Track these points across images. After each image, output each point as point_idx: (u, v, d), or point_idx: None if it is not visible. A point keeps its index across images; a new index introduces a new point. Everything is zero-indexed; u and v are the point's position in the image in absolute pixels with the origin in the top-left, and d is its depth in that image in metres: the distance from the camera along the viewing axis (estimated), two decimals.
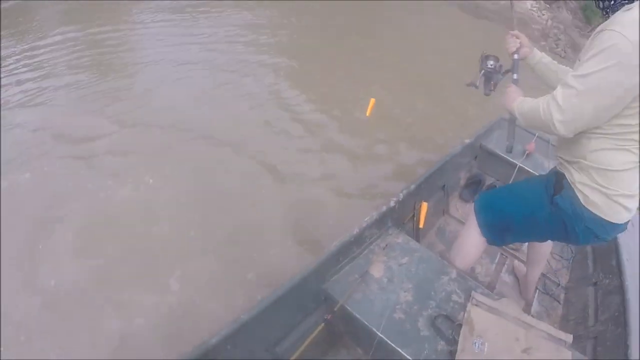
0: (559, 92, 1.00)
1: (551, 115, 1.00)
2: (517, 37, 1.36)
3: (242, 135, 3.09)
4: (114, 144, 2.83)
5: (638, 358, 1.30)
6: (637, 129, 0.96)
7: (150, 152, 2.78)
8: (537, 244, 1.66)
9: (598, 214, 1.07)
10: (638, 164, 1.02)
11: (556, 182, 1.18)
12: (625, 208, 1.06)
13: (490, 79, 1.37)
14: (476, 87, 1.43)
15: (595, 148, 1.04)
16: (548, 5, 8.29)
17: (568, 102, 0.97)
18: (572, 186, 1.12)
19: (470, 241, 1.49)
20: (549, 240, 1.63)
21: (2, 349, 1.65)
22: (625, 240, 2.06)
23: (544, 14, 8.11)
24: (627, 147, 1.00)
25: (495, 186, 2.46)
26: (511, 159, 2.36)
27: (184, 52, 4.30)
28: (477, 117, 3.67)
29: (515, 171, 2.19)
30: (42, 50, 4.14)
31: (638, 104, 0.93)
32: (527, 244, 2.16)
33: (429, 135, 3.49)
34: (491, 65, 1.37)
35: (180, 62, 4.05)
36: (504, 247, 2.11)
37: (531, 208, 1.26)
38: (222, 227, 2.24)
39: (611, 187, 1.04)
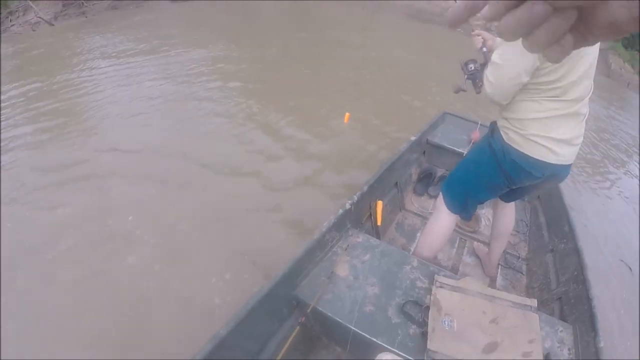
0: (488, 69, 1.21)
1: (486, 90, 1.23)
2: (479, 35, 1.54)
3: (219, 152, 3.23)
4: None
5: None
6: (546, 86, 1.16)
7: (133, 180, 2.83)
8: (500, 221, 1.77)
9: (517, 148, 1.27)
10: (548, 114, 1.20)
11: (492, 129, 1.40)
12: (547, 148, 1.22)
13: (475, 78, 1.55)
14: (465, 90, 1.62)
15: (513, 100, 1.26)
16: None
17: (493, 75, 1.19)
18: (499, 129, 1.33)
19: (438, 228, 1.62)
20: (512, 214, 1.75)
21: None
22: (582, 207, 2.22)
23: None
24: (536, 99, 1.20)
25: (447, 176, 2.59)
26: (457, 149, 2.50)
27: (147, 89, 4.41)
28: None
29: None
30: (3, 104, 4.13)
31: (545, 67, 1.12)
32: (485, 223, 2.30)
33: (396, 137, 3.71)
34: (472, 67, 1.56)
35: (147, 97, 4.17)
36: (462, 230, 2.23)
37: (477, 161, 1.46)
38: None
39: (524, 129, 1.24)
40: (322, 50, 6.54)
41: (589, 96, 1.23)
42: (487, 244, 2.08)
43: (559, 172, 1.32)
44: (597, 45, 1.12)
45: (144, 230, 2.34)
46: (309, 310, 1.30)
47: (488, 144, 1.41)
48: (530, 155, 1.26)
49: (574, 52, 0.82)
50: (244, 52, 6.04)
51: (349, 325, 1.27)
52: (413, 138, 2.45)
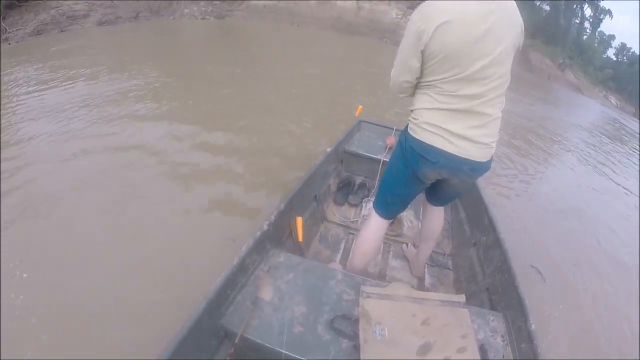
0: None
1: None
2: None
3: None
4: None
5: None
6: (434, 82, 1.26)
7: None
8: (428, 223, 1.81)
9: (414, 135, 1.36)
10: (439, 106, 1.28)
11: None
12: (440, 136, 1.29)
13: None
14: None
15: (413, 94, 1.40)
16: (411, 10, 9.36)
17: (392, 73, 1.36)
18: (408, 123, 1.42)
19: (368, 233, 1.64)
20: (440, 219, 1.79)
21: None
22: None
23: (409, 19, 9.14)
24: (428, 93, 1.31)
25: (366, 184, 2.65)
26: (375, 156, 2.56)
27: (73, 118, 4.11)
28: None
29: (380, 166, 2.38)
30: None
31: (429, 66, 1.24)
32: (408, 225, 2.37)
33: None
34: None
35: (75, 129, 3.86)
36: (386, 235, 2.22)
37: (393, 157, 1.55)
38: None
39: (418, 118, 1.34)
40: (252, 71, 6.60)
41: (494, 97, 1.25)
42: (415, 245, 2.12)
43: (460, 164, 1.33)
44: (497, 48, 1.17)
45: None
46: (237, 340, 1.24)
47: (399, 139, 1.51)
48: (423, 140, 1.32)
49: (463, 51, 0.99)
50: (169, 77, 5.91)
51: (279, 350, 1.23)
52: (329, 149, 2.47)
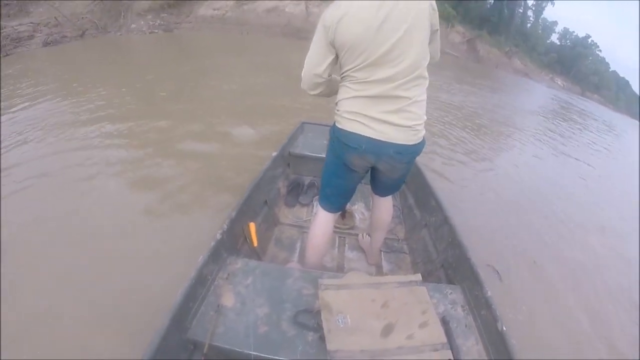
0: None
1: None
2: None
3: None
4: None
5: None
6: (347, 73, 1.35)
7: None
8: (377, 214, 1.87)
9: (338, 125, 1.44)
10: (355, 94, 1.35)
11: None
12: (359, 122, 1.37)
13: None
14: None
15: (328, 94, 1.51)
16: None
17: (303, 72, 1.41)
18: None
19: (317, 228, 1.69)
20: (388, 209, 1.85)
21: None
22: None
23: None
24: (346, 84, 1.38)
25: (315, 183, 2.73)
26: (320, 155, 2.64)
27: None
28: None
29: None
30: None
31: (341, 57, 1.33)
32: (359, 217, 2.47)
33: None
34: None
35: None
36: (339, 229, 2.34)
37: (328, 154, 1.61)
38: None
39: (340, 109, 1.42)
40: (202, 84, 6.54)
41: (408, 80, 1.29)
42: (368, 235, 2.17)
43: (384, 148, 1.37)
44: (399, 30, 1.23)
45: None
46: (205, 350, 1.26)
47: (329, 133, 1.57)
48: (344, 128, 1.40)
49: (365, 38, 1.12)
50: (116, 97, 5.66)
51: (247, 351, 1.26)
52: (274, 153, 2.51)
